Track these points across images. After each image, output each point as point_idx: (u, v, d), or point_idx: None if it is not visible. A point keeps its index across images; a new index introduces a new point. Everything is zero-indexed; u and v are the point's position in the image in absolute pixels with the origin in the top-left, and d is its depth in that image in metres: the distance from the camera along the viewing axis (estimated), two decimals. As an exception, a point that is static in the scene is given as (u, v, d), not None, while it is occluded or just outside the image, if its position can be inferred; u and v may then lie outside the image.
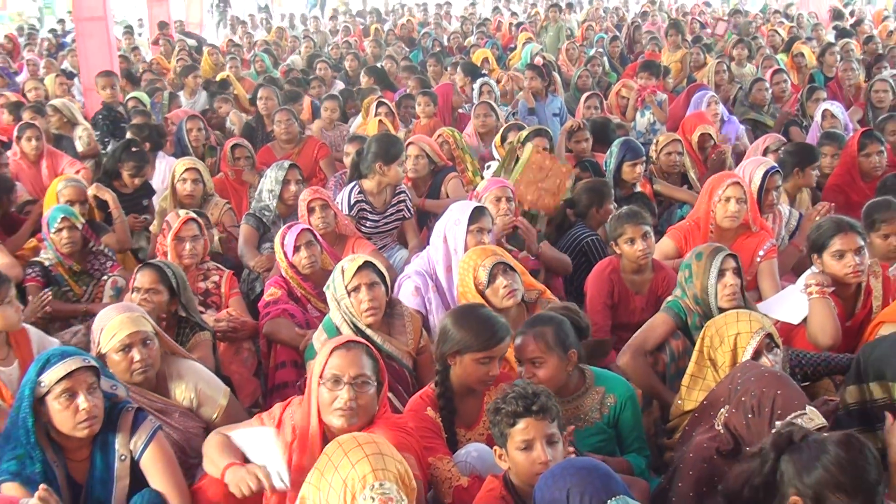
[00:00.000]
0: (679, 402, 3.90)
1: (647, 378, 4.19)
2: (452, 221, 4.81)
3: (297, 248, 4.83)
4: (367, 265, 4.20)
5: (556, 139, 8.29)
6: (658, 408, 4.21)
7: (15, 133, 7.80)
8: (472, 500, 3.13)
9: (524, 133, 6.68)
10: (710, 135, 7.16)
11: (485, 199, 5.36)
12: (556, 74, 10.23)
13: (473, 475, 3.34)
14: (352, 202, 5.94)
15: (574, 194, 6.01)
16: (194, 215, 5.24)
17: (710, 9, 21.61)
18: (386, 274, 4.28)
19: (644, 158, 6.51)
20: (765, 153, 6.60)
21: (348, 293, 4.16)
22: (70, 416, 3.20)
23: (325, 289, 4.37)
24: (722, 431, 3.27)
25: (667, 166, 6.81)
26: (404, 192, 6.14)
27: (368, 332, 4.15)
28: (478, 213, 4.79)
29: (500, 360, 3.61)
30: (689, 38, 13.87)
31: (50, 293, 5.03)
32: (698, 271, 4.25)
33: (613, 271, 4.88)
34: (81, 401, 3.19)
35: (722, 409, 3.33)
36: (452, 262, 4.74)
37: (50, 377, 3.19)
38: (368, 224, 5.99)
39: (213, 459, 3.38)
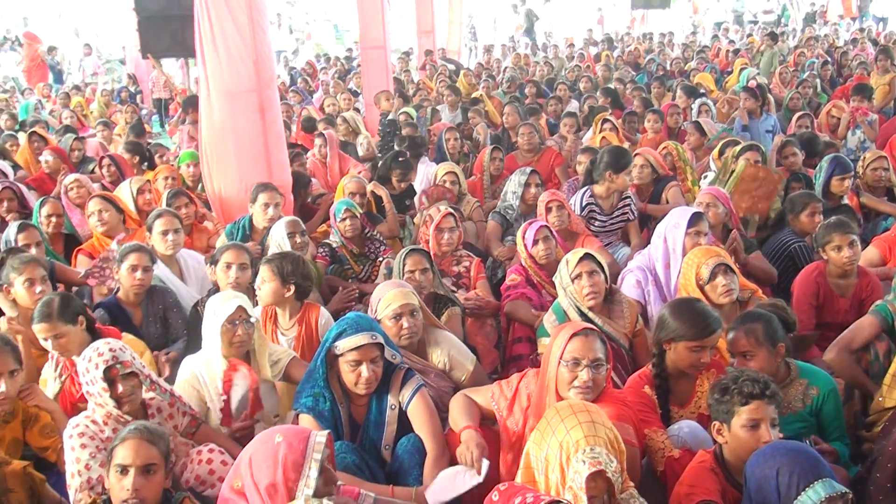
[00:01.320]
0: (880, 398, 3.62)
1: (852, 371, 3.90)
2: (672, 224, 4.68)
3: (535, 242, 4.84)
4: (587, 256, 4.18)
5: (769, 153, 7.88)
6: (859, 401, 3.92)
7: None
8: (682, 470, 3.03)
9: (738, 148, 6.38)
10: (918, 153, 6.58)
11: (695, 205, 5.20)
12: (770, 96, 9.71)
13: (684, 448, 3.24)
14: (583, 204, 5.89)
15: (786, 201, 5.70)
16: (452, 210, 5.36)
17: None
18: (605, 265, 4.23)
19: (852, 173, 6.06)
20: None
21: (572, 280, 4.15)
22: (353, 378, 3.36)
23: (553, 277, 4.37)
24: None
25: (872, 181, 6.31)
26: (630, 197, 6.02)
27: (590, 314, 4.13)
28: (696, 219, 4.65)
29: (712, 349, 3.48)
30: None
31: (356, 290, 5.21)
32: None
33: (820, 275, 4.59)
34: (364, 369, 3.34)
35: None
36: (671, 260, 4.63)
37: (343, 345, 3.35)
38: (597, 224, 5.92)
39: (455, 419, 3.47)
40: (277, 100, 6.55)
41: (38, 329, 3.86)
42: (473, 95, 12.04)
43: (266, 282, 4.27)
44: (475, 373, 3.96)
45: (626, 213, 5.98)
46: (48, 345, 3.89)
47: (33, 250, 5.07)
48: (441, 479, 3.23)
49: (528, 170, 6.22)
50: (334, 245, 5.57)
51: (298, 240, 5.16)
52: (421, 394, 3.45)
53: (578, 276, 4.13)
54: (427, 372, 3.83)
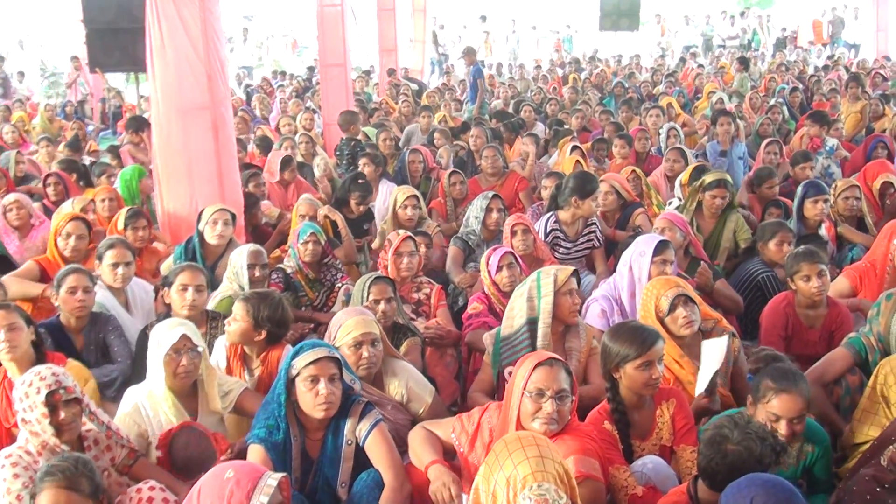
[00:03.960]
0: (849, 433, 3.66)
1: (823, 405, 3.93)
2: (638, 253, 4.70)
3: (499, 268, 4.84)
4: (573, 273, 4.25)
5: (739, 181, 7.98)
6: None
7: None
8: (647, 509, 3.04)
9: (707, 179, 6.33)
10: (892, 183, 6.66)
11: (653, 230, 5.28)
12: (739, 122, 9.87)
13: (648, 485, 3.25)
14: (547, 230, 5.92)
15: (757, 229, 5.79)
16: (411, 234, 5.35)
17: (889, 62, 20.24)
18: None
19: (826, 196, 6.15)
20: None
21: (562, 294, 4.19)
22: (311, 398, 3.34)
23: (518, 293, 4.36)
24: (885, 466, 3.05)
25: (844, 210, 6.39)
26: (595, 223, 6.05)
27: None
28: (662, 247, 4.67)
29: (659, 362, 3.48)
30: (869, 90, 13.10)
31: (311, 326, 5.24)
32: (885, 311, 3.96)
33: (788, 305, 4.65)
34: (322, 386, 3.32)
35: (891, 447, 3.10)
36: (636, 289, 4.64)
37: (300, 362, 3.35)
38: (561, 250, 5.95)
39: (417, 453, 3.46)
40: (231, 118, 6.54)
41: None
42: (437, 117, 12.10)
43: (238, 321, 4.16)
44: (434, 405, 3.95)
45: (592, 239, 6.02)
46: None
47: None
48: None
49: (490, 194, 6.23)
50: (289, 271, 5.52)
51: (258, 273, 5.06)
52: (379, 428, 3.44)
53: (569, 292, 4.18)
54: (384, 404, 3.81)
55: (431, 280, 5.41)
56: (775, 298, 4.78)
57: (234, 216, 5.77)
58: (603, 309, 4.74)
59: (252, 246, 5.25)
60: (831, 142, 8.72)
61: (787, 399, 3.29)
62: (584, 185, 5.89)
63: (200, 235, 5.69)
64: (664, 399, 3.58)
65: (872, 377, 3.63)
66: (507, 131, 10.57)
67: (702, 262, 5.21)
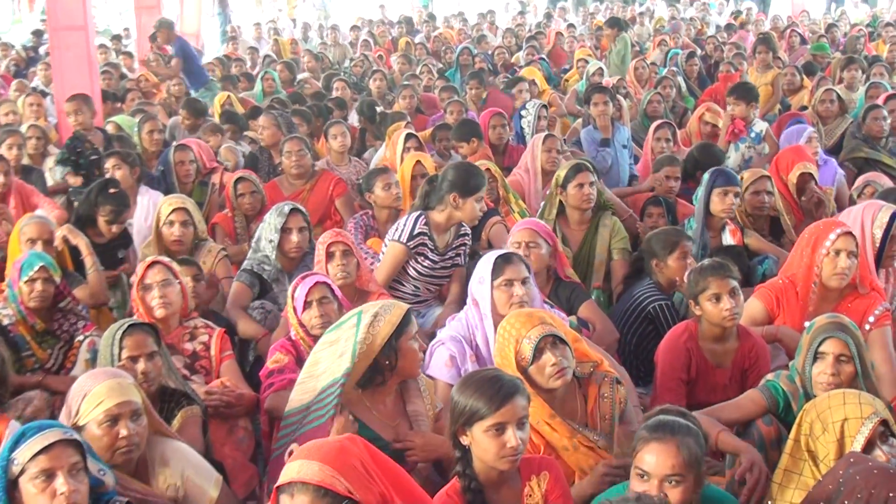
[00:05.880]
0: (769, 502, 3.82)
1: (710, 427, 3.98)
2: (477, 280, 4.77)
3: (307, 304, 4.83)
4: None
5: (624, 174, 8.21)
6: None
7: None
8: None
9: (561, 172, 6.53)
10: (812, 174, 7.00)
11: (510, 244, 5.42)
12: (621, 99, 10.19)
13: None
14: (414, 232, 5.89)
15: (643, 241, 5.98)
16: (164, 259, 5.29)
17: (808, 20, 21.52)
18: None
19: (738, 189, 6.43)
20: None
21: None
22: (46, 503, 3.21)
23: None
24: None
25: (752, 208, 6.69)
26: (468, 234, 6.16)
27: None
28: (502, 263, 4.71)
29: (518, 425, 3.48)
30: (783, 55, 13.82)
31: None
32: (803, 346, 4.20)
33: (690, 339, 4.82)
34: (60, 483, 3.21)
35: (822, 516, 3.27)
36: (486, 327, 4.70)
37: (24, 454, 3.22)
38: (426, 264, 5.98)
39: None
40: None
41: None
42: (217, 99, 11.96)
43: None
44: (222, 500, 3.92)
45: (460, 255, 6.11)
46: None
47: None
48: None
49: (287, 207, 6.16)
50: (6, 322, 5.33)
51: None
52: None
53: (413, 337, 4.23)
54: (150, 503, 3.73)
55: (210, 323, 5.35)
56: (673, 331, 4.94)
57: None
58: (452, 355, 4.74)
59: None
60: (760, 126, 8.97)
61: (657, 450, 3.32)
62: (469, 180, 5.94)
63: None
64: (534, 472, 3.61)
65: (795, 427, 3.78)
66: (315, 116, 10.58)
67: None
